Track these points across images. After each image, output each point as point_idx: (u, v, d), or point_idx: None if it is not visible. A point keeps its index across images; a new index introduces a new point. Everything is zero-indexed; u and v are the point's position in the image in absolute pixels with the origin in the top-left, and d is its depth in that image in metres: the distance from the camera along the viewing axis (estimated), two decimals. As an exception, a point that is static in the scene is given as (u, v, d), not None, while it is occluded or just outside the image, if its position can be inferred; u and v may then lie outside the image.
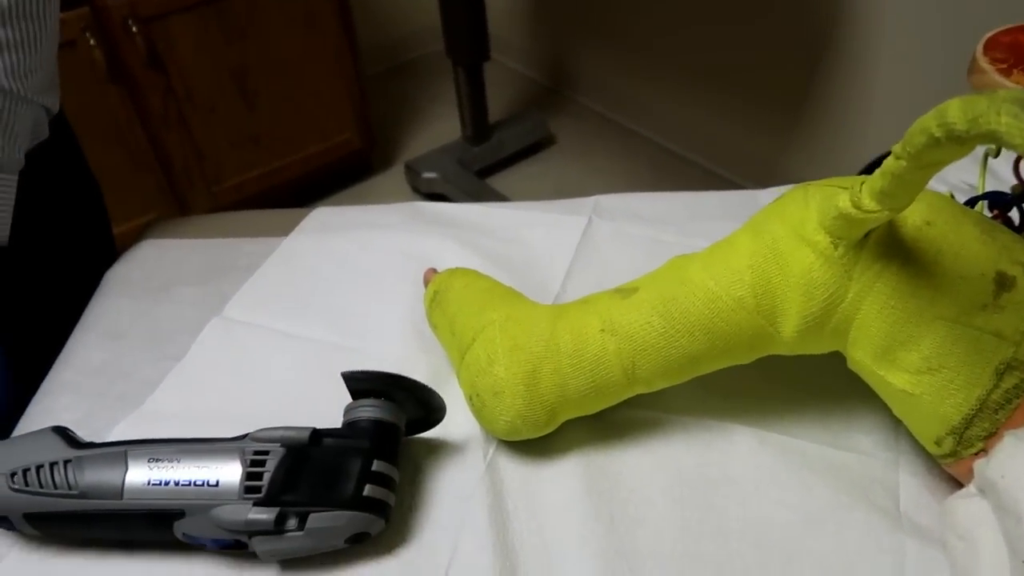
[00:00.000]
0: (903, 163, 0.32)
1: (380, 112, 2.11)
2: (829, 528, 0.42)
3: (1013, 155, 0.48)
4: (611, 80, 2.03)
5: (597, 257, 0.60)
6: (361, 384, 0.44)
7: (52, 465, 0.42)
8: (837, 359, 0.44)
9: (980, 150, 0.46)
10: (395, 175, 1.91)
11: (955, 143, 0.28)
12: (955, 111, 0.28)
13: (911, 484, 0.44)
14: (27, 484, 0.41)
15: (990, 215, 0.49)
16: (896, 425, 0.46)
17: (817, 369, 0.48)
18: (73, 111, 1.54)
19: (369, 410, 0.44)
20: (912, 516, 0.42)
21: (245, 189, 1.68)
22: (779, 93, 1.63)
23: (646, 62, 1.89)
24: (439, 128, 2.05)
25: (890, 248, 0.39)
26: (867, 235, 0.39)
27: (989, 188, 0.47)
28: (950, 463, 0.40)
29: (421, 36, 2.34)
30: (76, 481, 0.41)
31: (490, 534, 0.42)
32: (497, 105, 2.10)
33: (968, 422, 0.38)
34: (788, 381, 0.49)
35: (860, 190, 0.37)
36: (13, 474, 0.41)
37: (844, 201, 0.37)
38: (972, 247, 0.38)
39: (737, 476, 0.45)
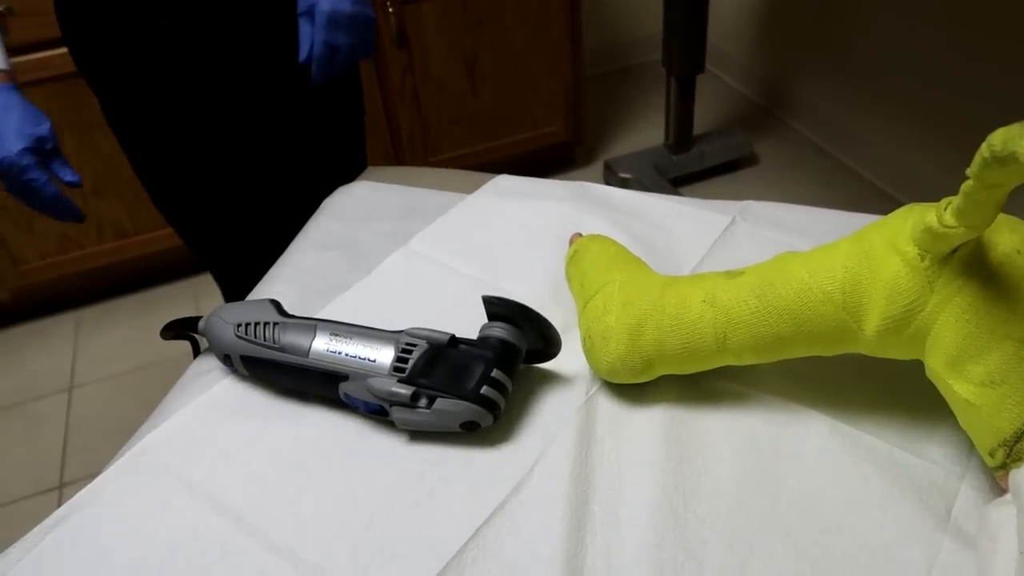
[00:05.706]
0: (971, 182, 0.37)
1: (594, 110, 2.22)
2: (873, 512, 0.46)
3: None
4: (827, 107, 1.99)
5: (730, 253, 0.66)
6: (496, 308, 0.54)
7: (265, 324, 0.56)
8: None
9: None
10: (594, 171, 2.01)
11: (999, 163, 0.33)
12: (998, 134, 0.32)
13: (971, 496, 0.47)
14: (246, 334, 0.56)
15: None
16: (973, 445, 0.49)
17: (912, 381, 0.51)
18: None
19: (498, 330, 0.54)
20: (961, 522, 0.45)
21: (458, 163, 1.86)
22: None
23: (870, 95, 1.84)
24: (645, 133, 2.13)
25: (974, 267, 0.43)
26: (954, 252, 0.43)
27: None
28: (1001, 476, 0.43)
29: (645, 44, 2.42)
30: (278, 338, 0.55)
31: (575, 450, 0.51)
32: (706, 117, 2.14)
33: (1018, 436, 0.41)
34: (881, 386, 0.53)
35: (944, 208, 0.41)
36: (238, 325, 0.56)
37: (931, 216, 0.42)
38: (1058, 281, 0.41)
39: (803, 453, 0.50)
